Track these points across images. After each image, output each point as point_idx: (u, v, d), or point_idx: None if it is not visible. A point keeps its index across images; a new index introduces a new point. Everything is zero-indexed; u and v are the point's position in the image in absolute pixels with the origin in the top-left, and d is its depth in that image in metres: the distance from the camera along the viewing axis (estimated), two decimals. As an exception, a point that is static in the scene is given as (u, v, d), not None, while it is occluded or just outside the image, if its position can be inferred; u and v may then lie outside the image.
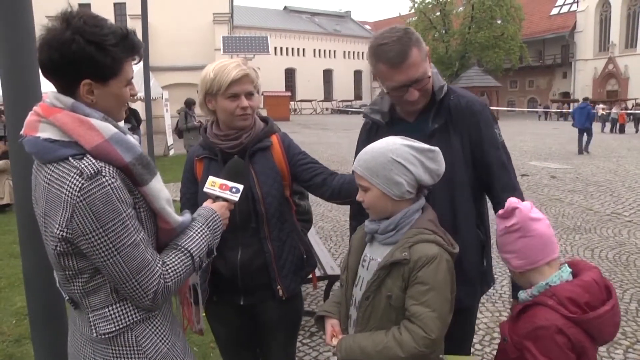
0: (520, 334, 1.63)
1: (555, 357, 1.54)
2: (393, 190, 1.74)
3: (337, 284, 3.71)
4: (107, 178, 1.37)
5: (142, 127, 13.74)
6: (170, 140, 17.83)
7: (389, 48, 1.93)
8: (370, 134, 2.26)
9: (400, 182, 1.73)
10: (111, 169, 1.40)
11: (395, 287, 1.71)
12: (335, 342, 1.83)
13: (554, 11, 53.66)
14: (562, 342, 1.54)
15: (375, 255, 1.83)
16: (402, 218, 1.76)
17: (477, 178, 2.12)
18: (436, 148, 1.80)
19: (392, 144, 1.77)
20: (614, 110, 28.76)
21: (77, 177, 1.35)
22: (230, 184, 1.86)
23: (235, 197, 1.85)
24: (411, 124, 2.14)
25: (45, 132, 1.40)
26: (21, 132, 1.45)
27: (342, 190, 2.17)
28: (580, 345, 1.56)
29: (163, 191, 1.53)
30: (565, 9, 52.71)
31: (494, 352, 2.11)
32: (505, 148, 2.14)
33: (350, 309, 1.91)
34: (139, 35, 1.57)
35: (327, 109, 64.62)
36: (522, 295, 1.72)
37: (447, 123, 2.06)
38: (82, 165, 1.36)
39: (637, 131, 28.36)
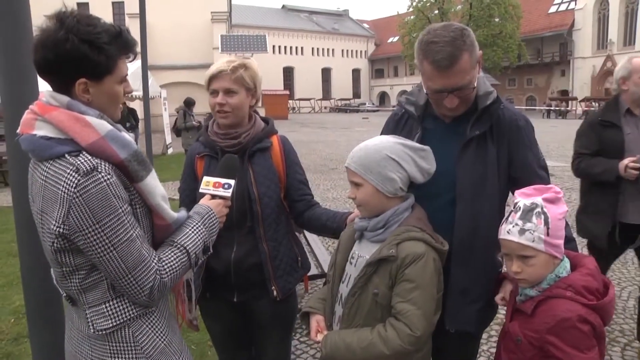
0: (539, 330, 1.62)
1: (582, 345, 1.56)
2: (387, 186, 1.77)
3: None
4: (103, 174, 1.38)
5: (141, 126, 13.74)
6: (168, 139, 17.82)
7: (439, 48, 1.74)
8: (398, 125, 2.14)
9: (394, 178, 1.76)
10: (107, 165, 1.41)
11: (382, 284, 1.73)
12: (320, 337, 1.84)
13: (552, 9, 53.66)
14: (586, 329, 1.57)
15: (364, 252, 1.84)
16: (391, 216, 1.79)
17: (505, 195, 2.00)
18: (427, 147, 1.83)
19: (386, 142, 1.81)
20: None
21: (73, 174, 1.35)
22: (223, 180, 1.85)
23: (228, 193, 1.84)
24: (446, 124, 1.99)
25: (42, 130, 1.41)
26: (17, 131, 1.46)
27: (310, 223, 2.35)
28: (600, 330, 1.60)
29: (158, 187, 1.54)
30: (563, 7, 52.70)
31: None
32: (545, 164, 2.01)
33: (336, 305, 1.92)
34: (137, 34, 1.58)
35: (325, 108, 64.77)
36: (530, 292, 1.70)
37: (487, 133, 1.91)
38: (78, 162, 1.37)
39: None
